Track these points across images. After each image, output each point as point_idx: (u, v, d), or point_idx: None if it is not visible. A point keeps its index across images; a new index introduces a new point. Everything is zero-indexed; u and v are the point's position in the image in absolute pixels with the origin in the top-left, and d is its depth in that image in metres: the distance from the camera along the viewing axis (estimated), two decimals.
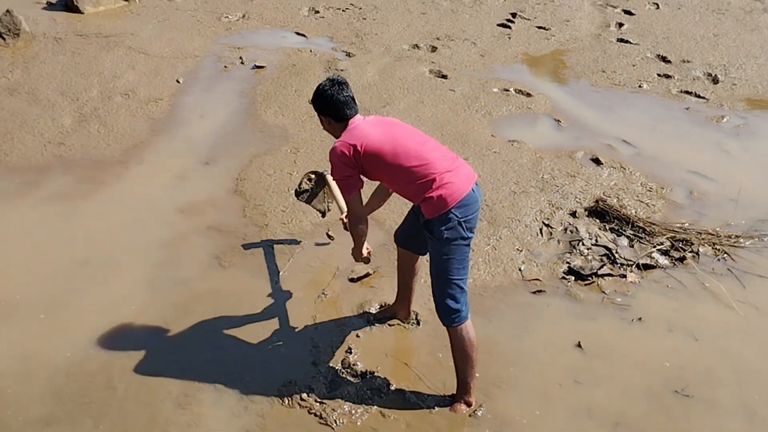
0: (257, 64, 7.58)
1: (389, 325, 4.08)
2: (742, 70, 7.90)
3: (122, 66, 7.34)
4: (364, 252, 3.72)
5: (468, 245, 3.39)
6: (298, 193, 4.47)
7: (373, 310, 4.17)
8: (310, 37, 8.49)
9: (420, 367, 3.78)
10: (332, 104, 3.45)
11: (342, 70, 7.43)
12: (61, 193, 5.23)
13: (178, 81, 7.11)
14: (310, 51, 8.00)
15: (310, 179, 4.43)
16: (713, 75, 7.73)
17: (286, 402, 3.55)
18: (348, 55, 7.95)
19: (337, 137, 3.48)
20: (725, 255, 4.75)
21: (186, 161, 5.72)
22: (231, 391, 3.61)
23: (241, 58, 7.73)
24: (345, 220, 3.96)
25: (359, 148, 3.33)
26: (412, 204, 3.63)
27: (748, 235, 4.95)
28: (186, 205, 5.13)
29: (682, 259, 4.69)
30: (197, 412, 3.48)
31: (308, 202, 4.48)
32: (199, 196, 5.24)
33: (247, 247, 4.67)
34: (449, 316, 3.42)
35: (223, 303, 4.18)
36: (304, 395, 3.57)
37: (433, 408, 3.54)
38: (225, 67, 7.54)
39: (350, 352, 3.84)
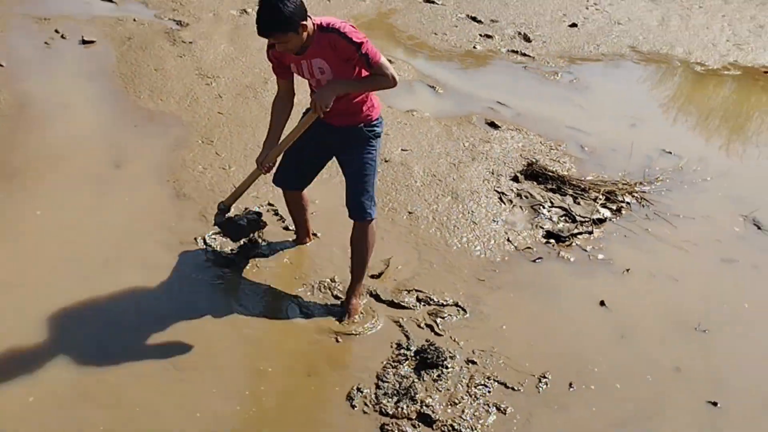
0: (84, 38, 6.47)
1: None
2: (540, 28, 8.74)
3: None
4: None
5: None
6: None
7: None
8: (120, 3, 7.45)
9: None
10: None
11: (190, 42, 6.70)
12: None
13: (1, 65, 5.80)
14: (134, 20, 7.07)
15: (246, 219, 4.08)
16: (523, 33, 8.43)
17: None
18: (180, 24, 7.18)
19: (302, 42, 3.34)
20: (643, 201, 5.41)
21: (91, 167, 4.78)
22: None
23: (57, 30, 6.54)
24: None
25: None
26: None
27: (648, 181, 5.66)
28: (128, 218, 4.35)
29: (619, 210, 5.24)
30: None
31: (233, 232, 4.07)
32: (137, 206, 4.47)
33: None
34: (368, 209, 3.76)
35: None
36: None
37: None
38: (46, 43, 6.33)
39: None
